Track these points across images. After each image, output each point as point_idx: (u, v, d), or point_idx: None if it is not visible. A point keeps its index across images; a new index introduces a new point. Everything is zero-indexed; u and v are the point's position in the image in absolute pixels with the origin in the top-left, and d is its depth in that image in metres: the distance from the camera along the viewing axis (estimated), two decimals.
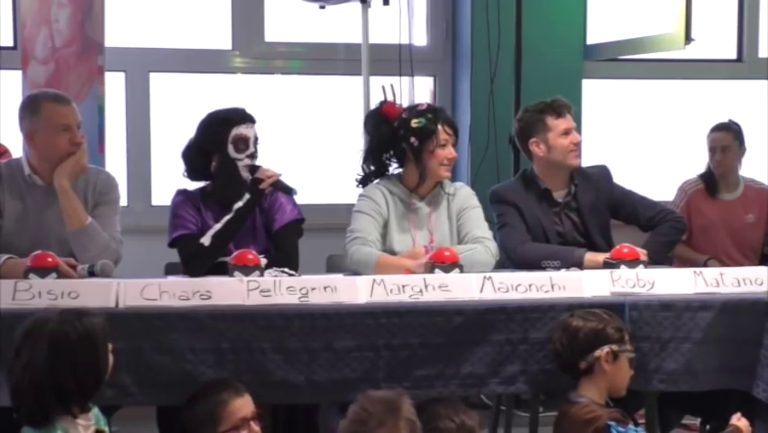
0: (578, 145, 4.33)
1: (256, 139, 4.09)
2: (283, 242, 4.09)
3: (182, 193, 4.13)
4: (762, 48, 6.42)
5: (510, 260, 4.26)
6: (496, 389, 3.58)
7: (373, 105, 4.34)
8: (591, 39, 6.06)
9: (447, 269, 3.70)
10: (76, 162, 3.94)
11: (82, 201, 3.96)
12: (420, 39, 6.15)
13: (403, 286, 3.50)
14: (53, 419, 2.84)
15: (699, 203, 5.45)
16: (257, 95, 5.99)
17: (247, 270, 3.64)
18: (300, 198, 4.23)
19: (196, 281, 3.53)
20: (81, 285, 3.41)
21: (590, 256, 4.08)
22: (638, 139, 6.35)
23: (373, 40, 5.63)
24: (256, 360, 3.33)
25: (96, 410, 2.99)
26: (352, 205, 4.18)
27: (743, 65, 6.45)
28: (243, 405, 3.19)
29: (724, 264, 5.09)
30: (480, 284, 3.54)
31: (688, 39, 5.25)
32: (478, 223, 4.15)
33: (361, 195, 4.18)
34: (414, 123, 4.08)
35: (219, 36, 5.97)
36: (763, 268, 3.81)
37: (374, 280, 3.50)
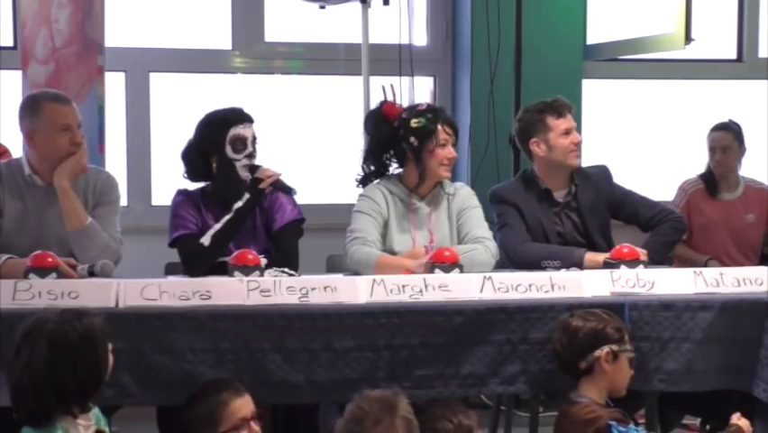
0: (578, 145, 4.33)
1: (254, 138, 4.09)
2: (283, 242, 4.10)
3: (182, 193, 4.14)
4: (762, 48, 6.42)
5: (510, 260, 4.26)
6: (496, 389, 3.58)
7: (373, 106, 4.35)
8: (591, 39, 6.06)
9: (447, 269, 3.70)
10: (76, 162, 3.94)
11: (82, 201, 3.96)
12: (420, 39, 6.15)
13: (403, 286, 3.50)
14: (53, 419, 2.84)
15: (699, 203, 5.44)
16: (257, 95, 5.99)
17: (247, 270, 3.64)
18: (300, 198, 4.23)
19: (196, 281, 3.53)
20: (81, 285, 3.41)
21: (590, 256, 4.08)
22: (638, 139, 6.35)
23: (373, 40, 5.63)
24: (256, 360, 3.33)
25: (96, 410, 2.99)
26: (352, 205, 4.18)
27: (743, 65, 6.45)
28: (243, 405, 3.19)
29: (724, 264, 5.09)
30: (480, 284, 3.54)
31: (688, 39, 5.25)
32: (478, 223, 4.15)
33: (361, 195, 4.18)
34: (413, 122, 4.08)
35: (219, 36, 5.97)
36: (763, 268, 3.82)
37: (374, 280, 3.50)
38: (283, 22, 6.01)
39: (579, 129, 4.46)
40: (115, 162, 5.52)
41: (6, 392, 2.93)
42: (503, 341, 3.49)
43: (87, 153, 4.02)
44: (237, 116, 4.08)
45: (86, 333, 2.87)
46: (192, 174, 4.14)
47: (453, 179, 4.33)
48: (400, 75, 5.78)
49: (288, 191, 4.12)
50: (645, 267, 3.85)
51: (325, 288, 3.45)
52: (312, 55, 6.05)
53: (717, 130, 5.45)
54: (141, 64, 5.84)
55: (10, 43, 5.63)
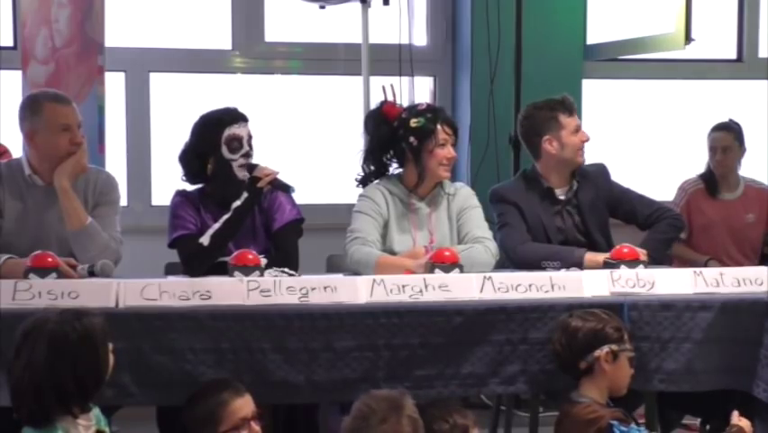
0: (584, 143, 4.35)
1: (250, 137, 4.09)
2: (283, 242, 4.09)
3: (181, 194, 4.13)
4: (762, 48, 6.42)
5: (510, 260, 4.26)
6: (496, 389, 3.58)
7: (373, 106, 4.34)
8: (591, 39, 6.06)
9: (447, 269, 3.70)
10: (76, 162, 3.94)
11: (82, 201, 3.96)
12: (420, 39, 6.15)
13: (403, 286, 3.50)
14: (54, 420, 2.84)
15: (699, 203, 5.45)
16: (257, 95, 5.99)
17: (247, 270, 3.64)
18: (300, 198, 4.23)
19: (196, 281, 3.53)
20: (81, 285, 3.40)
21: (590, 256, 4.08)
22: (638, 139, 6.35)
23: (373, 40, 5.63)
24: (256, 360, 3.33)
25: (96, 411, 2.98)
26: (352, 205, 4.18)
27: (743, 65, 6.45)
28: (244, 405, 3.19)
29: (724, 264, 5.09)
30: (480, 284, 3.54)
31: (688, 39, 5.25)
32: (478, 223, 4.14)
33: (360, 195, 4.18)
34: (413, 122, 4.08)
35: (219, 36, 5.97)
36: (763, 268, 3.82)
37: (374, 280, 3.50)
38: (283, 22, 6.01)
39: None
40: (115, 162, 5.52)
41: (6, 392, 2.93)
42: (503, 341, 3.48)
43: (87, 153, 4.02)
44: (231, 116, 4.08)
45: (86, 333, 2.87)
46: (190, 177, 4.13)
47: (453, 179, 4.33)
48: (400, 75, 5.78)
49: (287, 189, 4.12)
50: (645, 267, 3.85)
51: (325, 288, 3.45)
52: (312, 55, 6.05)
53: (718, 130, 5.45)
54: (141, 64, 5.84)
55: (10, 43, 5.63)
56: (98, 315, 2.97)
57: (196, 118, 4.13)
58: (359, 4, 5.56)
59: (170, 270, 4.13)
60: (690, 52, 5.48)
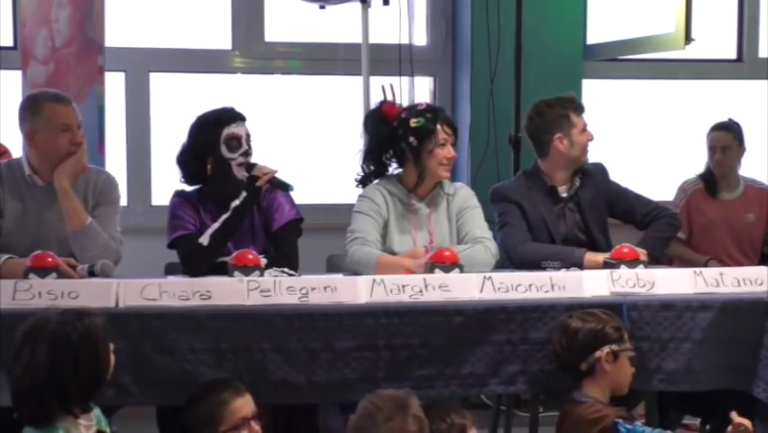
0: (589, 142, 4.37)
1: (248, 136, 4.09)
2: (282, 242, 4.09)
3: (180, 194, 4.13)
4: (762, 48, 6.42)
5: (510, 260, 4.26)
6: (496, 389, 3.58)
7: (373, 106, 4.34)
8: (591, 39, 6.06)
9: (447, 269, 3.70)
10: (76, 162, 3.94)
11: (82, 201, 3.96)
12: (420, 39, 6.15)
13: (403, 286, 3.50)
14: (54, 420, 2.84)
15: (699, 203, 5.44)
16: (257, 95, 5.99)
17: (247, 270, 3.64)
18: (300, 198, 4.22)
19: (196, 281, 3.53)
20: (81, 285, 3.41)
21: (590, 256, 4.08)
22: (638, 139, 6.35)
23: (373, 40, 5.63)
24: (256, 360, 3.33)
25: (97, 411, 2.98)
26: (352, 205, 4.18)
27: (743, 65, 6.45)
28: (244, 405, 3.19)
29: (724, 264, 5.09)
30: (480, 284, 3.54)
31: (688, 39, 5.25)
32: (478, 223, 4.14)
33: (360, 195, 4.18)
34: (413, 122, 4.07)
35: (219, 36, 5.97)
36: (763, 268, 3.82)
37: (374, 281, 3.50)
38: (283, 22, 6.01)
39: None
40: (115, 162, 5.52)
41: (7, 392, 2.93)
42: (503, 341, 3.49)
43: (87, 153, 4.02)
44: (229, 116, 4.08)
45: (87, 333, 2.87)
46: (188, 178, 4.13)
47: (453, 178, 4.33)
48: (400, 75, 5.78)
49: (285, 187, 4.11)
50: (645, 267, 3.85)
51: (325, 288, 3.45)
52: (312, 55, 6.05)
53: (717, 129, 5.45)
54: (141, 64, 5.84)
55: (10, 43, 5.63)
56: (99, 315, 2.97)
57: (194, 119, 4.13)
58: (359, 4, 5.56)
59: (170, 270, 4.13)
60: (690, 52, 5.48)
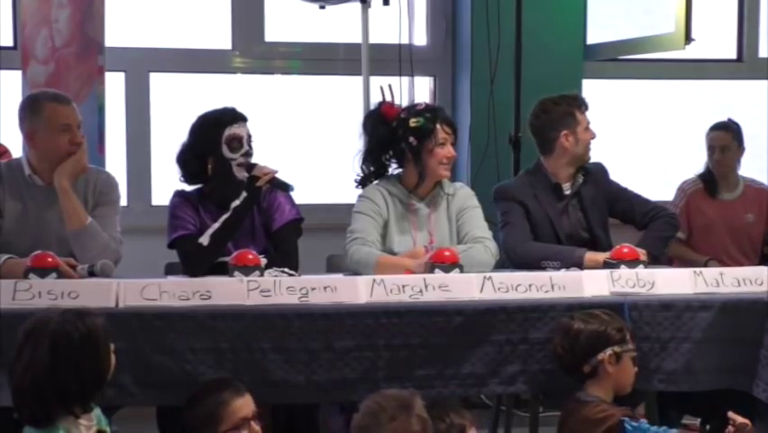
0: (592, 140, 4.39)
1: (249, 137, 4.09)
2: (282, 242, 4.09)
3: (180, 194, 4.13)
4: (762, 48, 6.42)
5: (510, 260, 4.27)
6: (496, 389, 3.58)
7: (372, 107, 4.34)
8: (591, 39, 6.06)
9: (447, 269, 3.70)
10: (76, 162, 3.94)
11: (82, 201, 3.96)
12: (420, 39, 6.15)
13: (403, 286, 3.50)
14: (55, 420, 2.84)
15: (698, 203, 5.44)
16: (257, 95, 5.99)
17: (247, 270, 3.64)
18: (300, 198, 4.22)
19: (196, 281, 3.53)
20: (81, 285, 3.41)
21: (590, 256, 4.08)
22: (638, 139, 6.35)
23: (373, 40, 5.63)
24: (256, 360, 3.34)
25: (97, 411, 2.99)
26: (352, 205, 4.18)
27: (743, 65, 6.45)
28: (244, 405, 3.19)
29: (724, 264, 5.08)
30: (480, 284, 3.54)
31: (688, 39, 5.25)
32: (477, 223, 4.14)
33: (360, 196, 4.18)
34: (412, 122, 4.08)
35: (219, 36, 5.97)
36: (763, 268, 3.82)
37: (374, 281, 3.50)
38: (283, 22, 6.01)
39: None
40: (115, 162, 5.52)
41: (7, 392, 2.94)
42: (503, 341, 3.49)
43: (87, 153, 4.02)
44: (231, 116, 4.08)
45: (88, 333, 2.87)
46: (188, 177, 4.13)
47: (453, 178, 4.33)
48: (400, 75, 5.78)
49: (286, 188, 4.12)
50: (645, 267, 3.85)
51: (325, 288, 3.45)
52: (312, 55, 6.05)
53: (716, 129, 5.45)
54: (141, 64, 5.84)
55: (10, 43, 5.63)
56: (100, 315, 2.97)
57: (194, 118, 4.13)
58: (359, 4, 5.56)
59: (170, 270, 4.13)
60: (690, 52, 5.48)
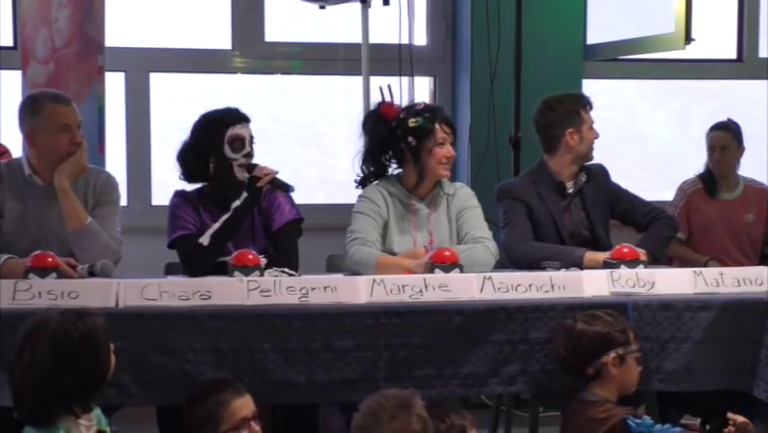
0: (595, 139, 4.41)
1: (251, 138, 4.10)
2: (282, 242, 4.09)
3: (180, 194, 4.13)
4: (762, 48, 6.42)
5: (510, 259, 4.27)
6: (496, 389, 3.57)
7: (372, 107, 4.34)
8: (591, 39, 6.06)
9: (447, 269, 3.70)
10: (76, 162, 3.94)
11: (82, 201, 3.96)
12: (420, 39, 6.15)
13: (403, 286, 3.50)
14: (55, 420, 2.84)
15: (698, 203, 5.44)
16: (257, 95, 5.99)
17: (247, 270, 3.64)
18: (300, 198, 4.23)
19: (196, 281, 3.53)
20: (81, 285, 3.40)
21: (590, 256, 4.08)
22: (638, 139, 6.35)
23: (373, 40, 5.63)
24: (256, 360, 3.33)
25: (97, 411, 2.99)
26: (352, 205, 4.18)
27: (743, 65, 6.45)
28: (244, 405, 3.19)
29: (724, 264, 5.08)
30: (480, 284, 3.54)
31: (688, 39, 5.26)
32: (477, 223, 4.14)
33: (360, 196, 4.18)
34: (411, 122, 4.07)
35: (219, 36, 5.97)
36: (763, 268, 3.82)
37: (374, 281, 3.50)
38: (283, 22, 6.01)
39: None
40: (115, 162, 5.52)
41: (8, 392, 2.93)
42: (503, 341, 3.48)
43: (87, 153, 4.02)
44: (234, 116, 4.08)
45: (88, 333, 2.87)
46: (189, 176, 4.13)
47: (453, 178, 4.33)
48: (400, 75, 5.78)
49: (286, 188, 4.12)
50: (645, 267, 3.85)
51: (325, 288, 3.45)
52: (312, 55, 6.05)
53: (716, 129, 5.45)
54: (141, 64, 5.85)
55: (10, 43, 5.64)
56: (99, 315, 2.97)
57: (196, 118, 4.13)
58: (359, 4, 5.56)
59: (170, 270, 4.13)
60: (690, 52, 5.48)
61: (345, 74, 5.97)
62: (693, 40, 5.26)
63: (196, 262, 3.94)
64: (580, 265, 4.03)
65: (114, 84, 5.65)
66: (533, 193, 4.36)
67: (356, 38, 5.67)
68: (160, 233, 4.15)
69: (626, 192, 4.52)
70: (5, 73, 5.48)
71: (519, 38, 5.54)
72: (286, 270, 3.79)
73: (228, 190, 4.05)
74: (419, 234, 4.13)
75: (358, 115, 5.21)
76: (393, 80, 4.59)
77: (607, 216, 4.47)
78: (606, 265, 3.90)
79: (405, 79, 5.87)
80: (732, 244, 5.44)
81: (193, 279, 3.71)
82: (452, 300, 3.49)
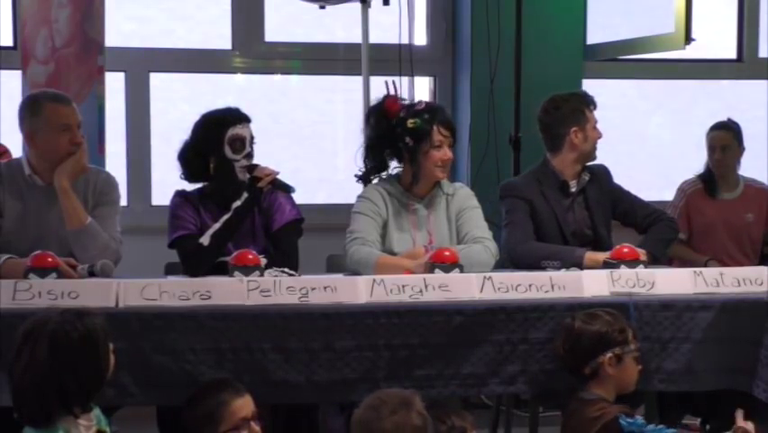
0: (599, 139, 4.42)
1: (252, 138, 4.10)
2: (282, 242, 4.10)
3: (180, 194, 4.14)
4: (762, 48, 6.42)
5: (510, 259, 4.27)
6: (496, 389, 3.57)
7: (379, 99, 4.31)
8: (591, 39, 6.06)
9: (447, 269, 3.70)
10: (76, 162, 3.94)
11: (82, 201, 3.96)
12: (420, 39, 6.15)
13: (403, 286, 3.49)
14: (54, 420, 2.84)
15: (698, 203, 5.44)
16: (257, 95, 5.99)
17: (247, 270, 3.64)
18: (300, 198, 4.22)
19: (196, 281, 3.53)
20: (81, 285, 3.40)
21: (590, 256, 4.08)
22: (638, 139, 6.35)
23: (373, 40, 5.63)
24: (256, 360, 3.33)
25: (97, 411, 2.98)
26: (352, 205, 4.18)
27: (743, 65, 6.45)
28: (244, 405, 3.19)
29: (724, 264, 5.08)
30: (480, 284, 3.54)
31: (688, 39, 5.26)
32: (477, 223, 4.14)
33: (359, 196, 4.17)
34: (409, 123, 4.07)
35: (219, 36, 5.97)
36: (763, 268, 3.82)
37: (374, 281, 3.50)
38: (283, 22, 6.01)
39: None
40: (115, 162, 5.52)
41: (7, 393, 2.93)
42: (503, 341, 3.48)
43: (87, 153, 4.02)
44: (235, 117, 4.09)
45: (87, 333, 2.87)
46: (189, 175, 4.13)
47: (453, 178, 4.33)
48: (400, 75, 5.78)
49: (287, 189, 4.12)
50: (645, 267, 3.85)
51: (325, 288, 3.45)
52: (312, 55, 6.06)
53: (717, 129, 5.45)
54: (141, 64, 5.85)
55: (10, 43, 5.64)
56: (99, 315, 2.97)
57: (196, 117, 4.13)
58: (359, 4, 5.56)
59: (170, 270, 4.13)
60: (690, 52, 5.48)
61: (345, 74, 5.97)
62: (693, 40, 5.27)
63: (196, 262, 3.94)
64: (580, 265, 4.03)
65: (114, 84, 5.65)
66: (536, 191, 4.36)
67: (356, 38, 5.67)
68: (160, 233, 4.16)
69: (627, 193, 4.53)
70: (5, 73, 5.48)
71: (519, 38, 5.54)
72: (286, 270, 3.78)
73: (229, 190, 4.05)
74: (418, 233, 4.13)
75: (358, 115, 5.24)
76: (393, 80, 4.57)
77: (609, 216, 4.48)
78: (606, 265, 3.90)
79: (405, 79, 5.87)
80: (732, 244, 5.44)
81: (193, 279, 3.71)
82: (452, 300, 3.49)
